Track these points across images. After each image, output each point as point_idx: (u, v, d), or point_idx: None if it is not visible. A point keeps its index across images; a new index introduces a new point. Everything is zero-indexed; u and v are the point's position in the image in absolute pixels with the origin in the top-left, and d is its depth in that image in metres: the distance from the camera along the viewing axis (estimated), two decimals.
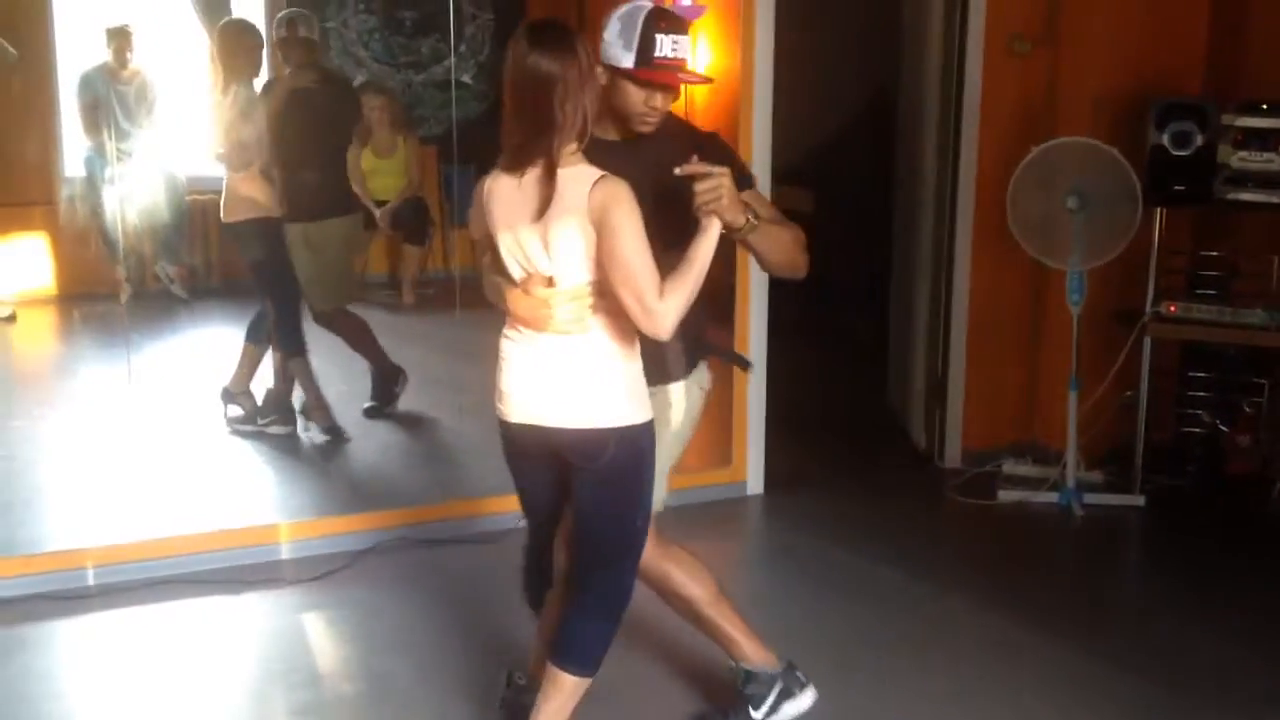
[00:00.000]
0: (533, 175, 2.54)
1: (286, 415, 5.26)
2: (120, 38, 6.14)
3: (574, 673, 2.76)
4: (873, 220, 6.06)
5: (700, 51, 7.68)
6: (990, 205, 5.01)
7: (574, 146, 2.55)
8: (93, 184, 6.18)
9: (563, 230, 2.52)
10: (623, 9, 2.65)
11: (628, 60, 2.61)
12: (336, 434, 5.22)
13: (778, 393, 4.88)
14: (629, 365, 2.66)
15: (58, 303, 6.38)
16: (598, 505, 2.69)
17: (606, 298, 2.57)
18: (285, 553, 4.20)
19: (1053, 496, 4.75)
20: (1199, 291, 4.75)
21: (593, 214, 2.49)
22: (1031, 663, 3.56)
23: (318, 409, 5.22)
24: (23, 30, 6.06)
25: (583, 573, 2.78)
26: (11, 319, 6.25)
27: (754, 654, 3.08)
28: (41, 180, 6.28)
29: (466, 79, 6.65)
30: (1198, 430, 4.97)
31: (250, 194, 5.01)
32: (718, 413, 5.06)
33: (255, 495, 4.78)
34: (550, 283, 2.58)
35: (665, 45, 2.61)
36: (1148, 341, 4.74)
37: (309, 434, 5.22)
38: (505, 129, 2.57)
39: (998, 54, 4.95)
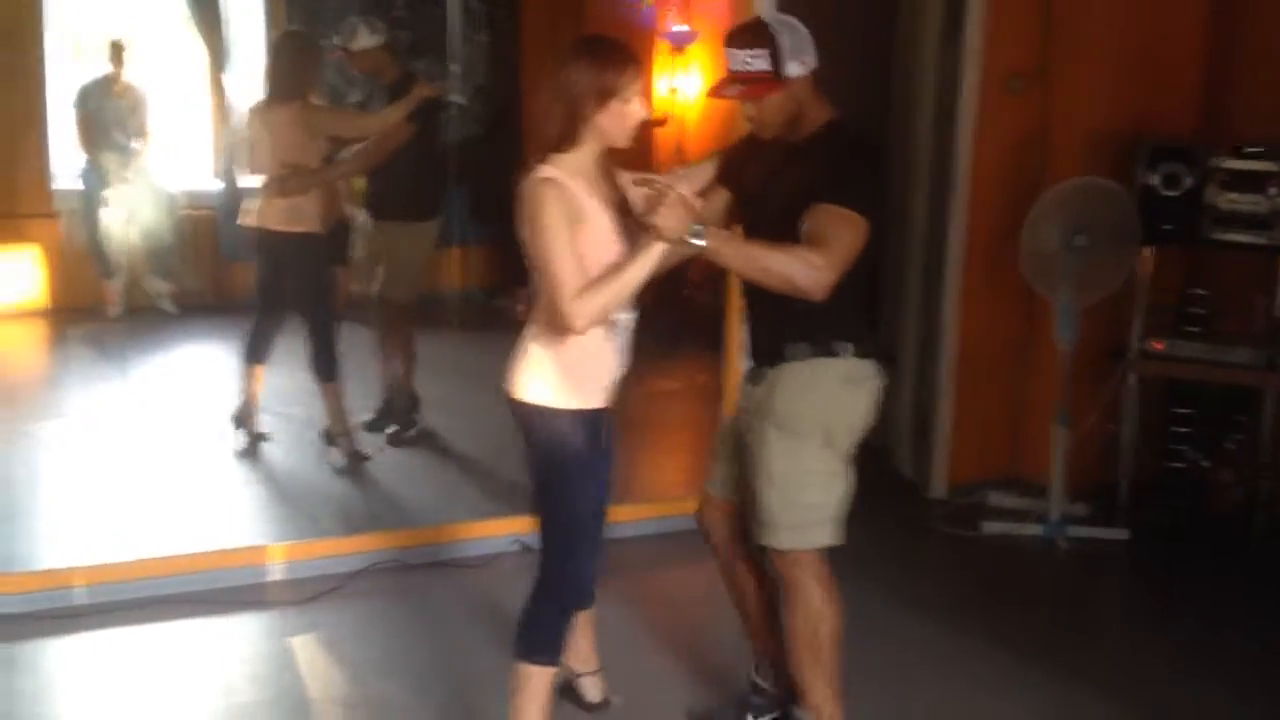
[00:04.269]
0: None
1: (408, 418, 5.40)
2: (117, 51, 6.14)
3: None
4: (864, 251, 6.08)
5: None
6: (981, 239, 5.06)
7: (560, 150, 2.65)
8: (89, 198, 6.17)
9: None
10: None
11: None
12: (358, 459, 5.15)
13: None
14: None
15: (47, 315, 6.35)
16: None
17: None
18: (276, 574, 4.18)
19: (1037, 529, 4.78)
20: (1185, 329, 4.81)
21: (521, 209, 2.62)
22: (1012, 694, 3.59)
23: (344, 435, 5.14)
24: (13, 40, 6.06)
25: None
26: None
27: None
28: (33, 193, 6.27)
29: (463, 100, 6.66)
30: (1181, 466, 5.04)
31: (301, 207, 4.83)
32: (691, 439, 5.08)
33: (247, 515, 4.75)
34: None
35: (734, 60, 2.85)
36: (1133, 377, 4.80)
37: (329, 459, 5.14)
38: None
39: (992, 91, 5.00)
